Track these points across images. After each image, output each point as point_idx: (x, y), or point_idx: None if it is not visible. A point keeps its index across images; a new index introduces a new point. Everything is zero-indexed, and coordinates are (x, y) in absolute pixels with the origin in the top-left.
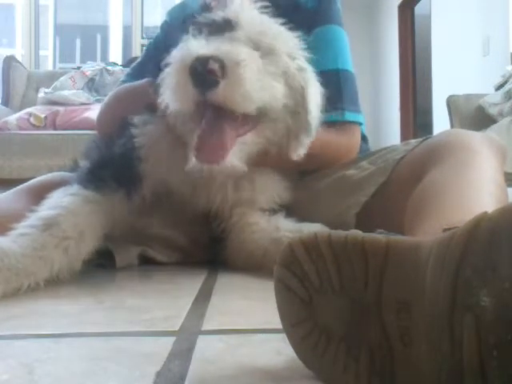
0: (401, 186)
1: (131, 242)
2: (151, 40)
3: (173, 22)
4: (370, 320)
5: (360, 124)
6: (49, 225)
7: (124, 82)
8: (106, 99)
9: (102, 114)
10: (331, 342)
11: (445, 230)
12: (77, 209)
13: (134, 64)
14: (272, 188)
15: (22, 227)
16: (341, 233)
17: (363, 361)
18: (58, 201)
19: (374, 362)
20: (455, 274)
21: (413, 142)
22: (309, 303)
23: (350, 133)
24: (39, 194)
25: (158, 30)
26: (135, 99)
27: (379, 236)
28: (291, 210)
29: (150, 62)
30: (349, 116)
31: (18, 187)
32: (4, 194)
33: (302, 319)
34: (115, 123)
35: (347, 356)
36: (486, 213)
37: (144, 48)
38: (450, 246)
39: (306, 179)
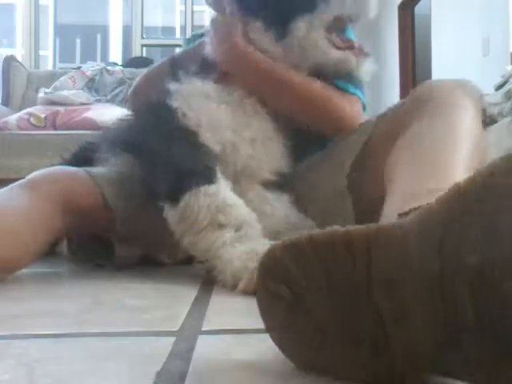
0: (382, 142)
1: (134, 240)
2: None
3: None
4: (361, 305)
5: (362, 102)
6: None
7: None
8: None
9: (139, 87)
10: (326, 337)
11: (400, 215)
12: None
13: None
14: (271, 155)
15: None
16: (322, 232)
17: (359, 346)
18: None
19: (369, 344)
20: (440, 245)
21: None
22: (297, 303)
23: (352, 101)
24: (42, 188)
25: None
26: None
27: (360, 227)
28: (292, 182)
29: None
30: (351, 87)
31: (19, 182)
32: (3, 189)
33: (292, 320)
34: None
35: (342, 346)
36: (458, 185)
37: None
38: (430, 223)
39: (305, 164)
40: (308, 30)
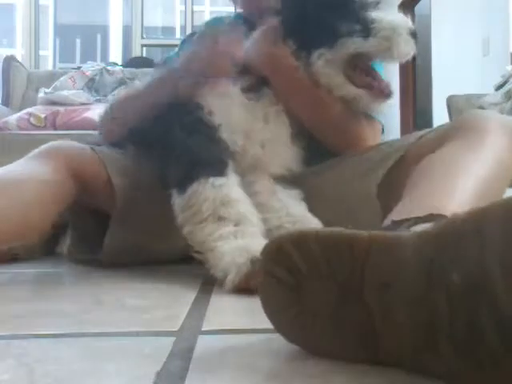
0: (414, 161)
1: (130, 223)
2: (172, 53)
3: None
4: (355, 299)
5: (382, 128)
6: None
7: None
8: (112, 103)
9: (109, 118)
10: (318, 322)
11: (393, 222)
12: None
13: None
14: (282, 153)
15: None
16: (327, 229)
17: (349, 336)
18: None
19: (358, 335)
20: (430, 264)
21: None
22: (296, 288)
23: (374, 127)
24: (54, 159)
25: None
26: (162, 92)
27: (362, 231)
28: (313, 190)
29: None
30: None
31: (32, 154)
32: (15, 163)
33: (289, 304)
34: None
35: (334, 332)
36: (456, 215)
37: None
38: (426, 244)
39: (326, 164)
40: (324, 63)
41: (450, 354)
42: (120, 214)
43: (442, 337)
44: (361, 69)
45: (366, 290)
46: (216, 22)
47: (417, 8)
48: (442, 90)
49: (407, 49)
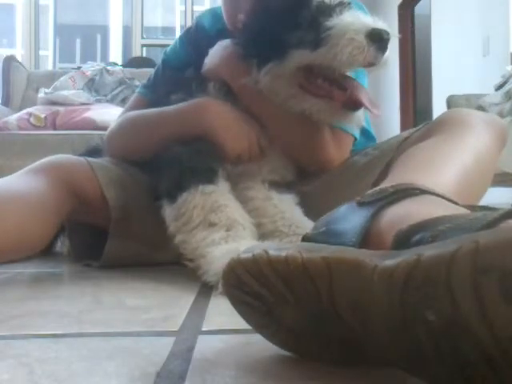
0: None
1: (128, 233)
2: (168, 51)
3: (211, 29)
4: (332, 317)
5: (354, 138)
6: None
7: (141, 93)
8: (123, 122)
9: (119, 139)
10: (298, 338)
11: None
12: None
13: (151, 77)
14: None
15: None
16: (280, 254)
17: (334, 347)
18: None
19: (344, 347)
20: (401, 300)
21: (419, 126)
22: (268, 312)
23: (341, 142)
24: (50, 175)
25: (171, 35)
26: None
27: (318, 257)
28: (305, 202)
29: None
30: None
31: (28, 168)
32: (11, 176)
33: (265, 324)
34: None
35: (318, 345)
36: (420, 256)
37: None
38: (393, 278)
39: (316, 175)
40: (271, 79)
41: (439, 372)
42: (117, 227)
43: (428, 360)
44: (324, 77)
45: (340, 310)
46: (210, 15)
47: (417, 8)
48: (441, 90)
49: (358, 56)
